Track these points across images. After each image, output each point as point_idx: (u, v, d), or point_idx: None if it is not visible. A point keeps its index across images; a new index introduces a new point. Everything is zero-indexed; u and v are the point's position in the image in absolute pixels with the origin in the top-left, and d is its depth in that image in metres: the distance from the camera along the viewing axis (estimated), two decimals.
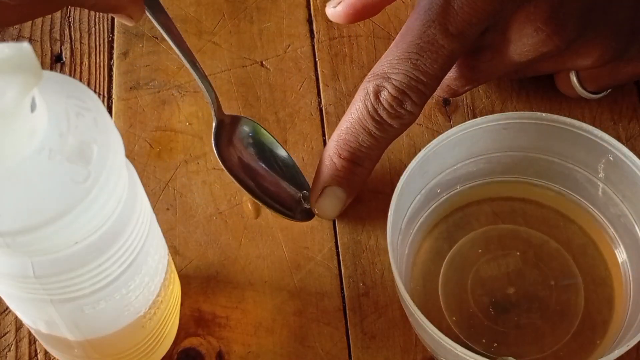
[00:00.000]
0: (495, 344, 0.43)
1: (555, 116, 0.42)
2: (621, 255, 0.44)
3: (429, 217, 0.46)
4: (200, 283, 0.46)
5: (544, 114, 0.42)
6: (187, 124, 0.50)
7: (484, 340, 0.43)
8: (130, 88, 0.52)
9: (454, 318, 0.44)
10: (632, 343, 0.37)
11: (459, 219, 0.47)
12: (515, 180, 0.46)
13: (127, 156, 0.34)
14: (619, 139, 0.49)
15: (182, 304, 0.45)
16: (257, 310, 0.45)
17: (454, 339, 0.39)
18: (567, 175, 0.45)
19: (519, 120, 0.43)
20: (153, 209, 0.38)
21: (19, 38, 0.53)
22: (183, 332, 0.44)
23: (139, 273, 0.36)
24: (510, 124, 0.43)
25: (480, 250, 0.46)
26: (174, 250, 0.47)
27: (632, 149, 0.49)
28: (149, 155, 0.49)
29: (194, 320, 0.45)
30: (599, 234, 0.45)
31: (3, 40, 0.53)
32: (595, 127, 0.49)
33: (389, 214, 0.40)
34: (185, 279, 0.46)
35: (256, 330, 0.44)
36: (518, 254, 0.45)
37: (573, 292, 0.44)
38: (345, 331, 0.45)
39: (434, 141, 0.42)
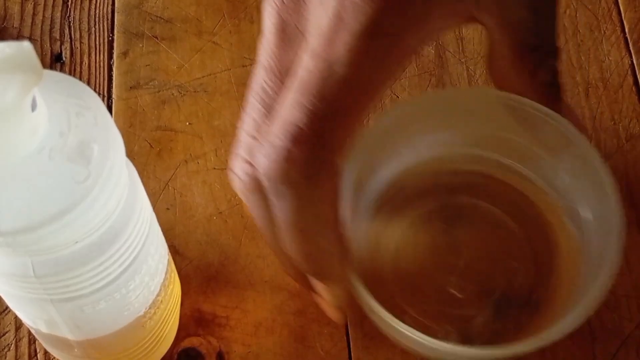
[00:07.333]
0: (436, 313, 0.43)
1: (527, 100, 0.41)
2: (574, 246, 0.44)
3: (393, 181, 0.46)
4: (200, 283, 0.46)
5: (517, 97, 0.41)
6: (187, 123, 0.50)
7: (425, 309, 0.43)
8: (130, 88, 0.52)
9: (400, 286, 0.44)
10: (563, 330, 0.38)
11: (424, 187, 0.46)
12: (486, 157, 0.46)
13: (127, 156, 0.34)
14: (618, 139, 0.49)
15: (182, 304, 0.45)
16: (257, 310, 0.45)
17: (394, 306, 0.39)
18: (534, 160, 0.45)
19: (494, 97, 0.42)
20: (153, 209, 0.38)
21: (19, 38, 0.53)
22: (183, 332, 0.44)
23: (139, 273, 0.36)
24: (484, 99, 0.43)
25: (437, 221, 0.45)
26: (174, 250, 0.47)
27: (632, 149, 0.49)
28: (149, 155, 0.49)
29: (194, 320, 0.45)
30: (558, 222, 0.45)
31: (3, 39, 0.53)
32: (595, 127, 0.50)
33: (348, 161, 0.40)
34: (185, 279, 0.46)
35: (256, 330, 0.44)
36: (475, 229, 0.45)
37: (522, 273, 0.44)
38: (345, 331, 0.45)
39: (407, 103, 0.42)
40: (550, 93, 0.41)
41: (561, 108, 0.41)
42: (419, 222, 0.46)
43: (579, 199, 0.43)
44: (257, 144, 0.35)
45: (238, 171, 0.36)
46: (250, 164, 0.36)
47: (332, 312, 0.42)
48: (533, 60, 0.39)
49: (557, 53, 0.40)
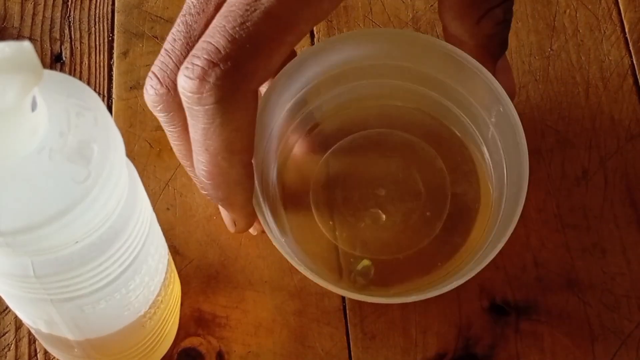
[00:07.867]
0: (354, 240, 0.45)
1: (466, 55, 0.42)
2: (493, 197, 0.45)
3: (335, 107, 0.47)
4: (200, 283, 0.46)
5: (459, 50, 0.42)
6: None
7: (337, 233, 0.45)
8: (130, 88, 0.52)
9: (324, 209, 0.45)
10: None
11: (348, 118, 0.47)
12: (425, 93, 0.47)
13: (127, 156, 0.34)
14: (618, 139, 0.49)
15: (182, 304, 0.45)
16: (257, 310, 0.45)
17: (313, 229, 0.42)
18: (468, 108, 0.45)
19: (439, 46, 0.43)
20: (153, 209, 0.38)
21: (19, 37, 0.53)
22: (183, 332, 0.44)
23: (139, 273, 0.36)
24: (430, 45, 0.44)
25: (373, 150, 0.47)
26: (174, 250, 0.47)
27: (633, 149, 0.49)
28: (149, 155, 0.49)
29: (194, 320, 0.45)
30: (482, 169, 0.46)
31: (3, 39, 0.53)
32: (595, 127, 0.49)
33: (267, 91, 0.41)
34: (185, 279, 0.46)
35: (256, 330, 0.44)
36: (401, 160, 0.46)
37: (439, 207, 0.45)
38: (345, 331, 0.45)
39: (361, 33, 0.45)
40: (489, 47, 0.42)
41: (494, 66, 0.43)
42: (345, 147, 0.47)
43: (501, 159, 0.44)
44: (172, 62, 0.37)
45: (150, 88, 0.38)
46: (162, 82, 0.37)
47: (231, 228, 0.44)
48: (479, 10, 0.40)
49: (506, 6, 0.41)
